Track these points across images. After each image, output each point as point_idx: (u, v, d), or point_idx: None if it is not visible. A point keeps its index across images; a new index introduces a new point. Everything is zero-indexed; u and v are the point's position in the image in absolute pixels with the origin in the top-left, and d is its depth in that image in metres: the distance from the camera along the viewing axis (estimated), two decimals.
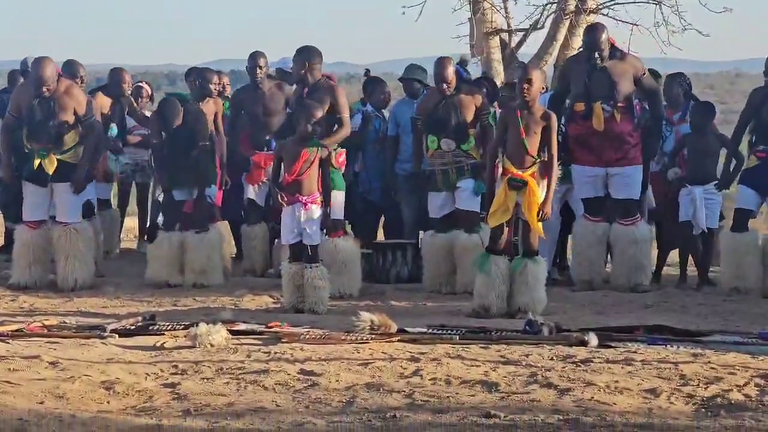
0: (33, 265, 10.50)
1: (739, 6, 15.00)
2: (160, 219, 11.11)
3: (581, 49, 10.65)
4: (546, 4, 15.04)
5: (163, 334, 7.93)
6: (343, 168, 10.54)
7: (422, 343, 7.65)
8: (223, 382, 6.60)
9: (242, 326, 8.15)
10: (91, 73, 12.08)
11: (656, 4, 14.93)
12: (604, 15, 15.17)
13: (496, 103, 11.17)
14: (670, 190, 10.78)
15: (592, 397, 6.23)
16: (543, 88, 9.29)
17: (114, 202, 12.98)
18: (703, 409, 6.08)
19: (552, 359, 7.16)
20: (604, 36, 10.40)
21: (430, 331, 8.02)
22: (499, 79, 14.06)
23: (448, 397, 6.26)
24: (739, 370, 6.82)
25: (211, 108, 11.18)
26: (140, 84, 13.41)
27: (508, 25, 15.41)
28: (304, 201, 9.33)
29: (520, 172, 9.00)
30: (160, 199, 11.07)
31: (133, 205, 13.65)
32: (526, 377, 6.67)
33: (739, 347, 7.56)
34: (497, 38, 15.13)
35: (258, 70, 11.13)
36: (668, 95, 11.03)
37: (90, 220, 11.13)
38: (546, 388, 6.45)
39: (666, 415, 5.96)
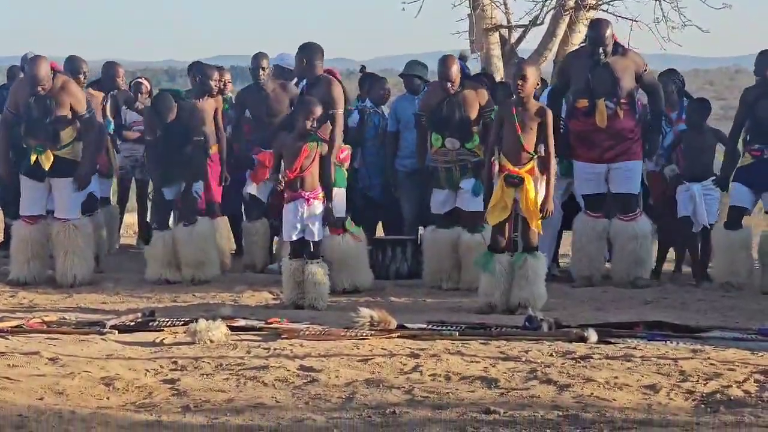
0: (31, 261, 10.50)
1: (739, 2, 14.98)
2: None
3: (583, 45, 10.62)
4: (546, 0, 15.03)
5: (163, 330, 7.92)
6: (347, 164, 10.53)
7: (422, 339, 7.65)
8: (222, 378, 6.60)
9: (242, 322, 8.15)
10: (90, 69, 12.04)
11: (656, 0, 14.93)
12: (603, 11, 15.15)
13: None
14: (668, 187, 10.78)
15: (592, 393, 6.23)
16: (538, 83, 9.26)
17: (113, 198, 12.98)
18: (703, 405, 6.08)
19: (551, 355, 7.16)
20: (608, 32, 10.38)
21: (430, 327, 8.02)
22: (499, 75, 14.06)
23: (447, 393, 6.27)
24: (738, 366, 6.82)
25: (211, 105, 11.17)
26: (139, 80, 13.40)
27: (508, 21, 15.40)
28: (306, 197, 9.33)
29: (516, 169, 9.00)
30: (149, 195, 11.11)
31: (132, 201, 13.65)
32: (526, 373, 6.68)
33: (738, 343, 7.56)
34: (497, 34, 15.12)
35: (261, 71, 11.09)
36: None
37: (92, 215, 11.15)
38: (545, 384, 6.45)
39: (665, 411, 5.96)
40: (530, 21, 15.24)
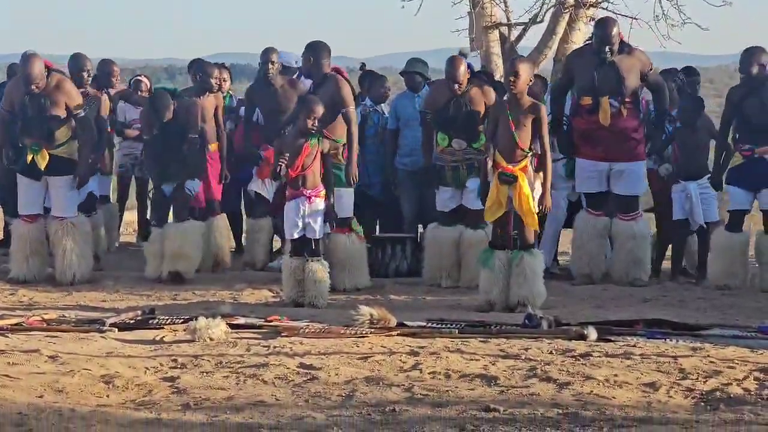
0: (30, 259, 10.50)
1: (739, 0, 14.99)
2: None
3: (589, 42, 10.60)
4: None
5: (163, 327, 7.93)
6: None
7: (421, 336, 7.65)
8: (222, 375, 6.60)
9: (241, 320, 8.15)
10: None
11: None
12: (603, 9, 15.16)
13: None
14: (665, 185, 10.78)
15: (592, 391, 6.23)
16: (531, 80, 9.22)
17: (113, 196, 12.98)
18: (702, 403, 6.08)
19: (551, 353, 7.16)
20: (615, 30, 10.36)
21: (430, 325, 8.02)
22: (499, 73, 14.06)
23: (447, 390, 6.26)
24: (738, 363, 6.82)
25: (211, 102, 11.17)
26: (139, 78, 13.40)
27: (508, 19, 15.40)
28: (308, 195, 9.33)
29: (510, 167, 9.00)
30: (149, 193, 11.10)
31: (132, 199, 13.66)
32: (526, 371, 6.68)
33: (738, 341, 7.56)
34: (497, 32, 15.12)
35: (270, 66, 11.05)
36: None
37: (91, 215, 11.16)
38: (545, 381, 6.45)
39: (665, 408, 5.96)
40: (530, 19, 15.24)
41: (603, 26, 10.44)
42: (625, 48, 10.41)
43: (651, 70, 10.45)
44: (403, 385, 6.38)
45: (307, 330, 7.80)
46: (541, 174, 9.07)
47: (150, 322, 8.14)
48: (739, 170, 10.26)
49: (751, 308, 9.26)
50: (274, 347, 7.31)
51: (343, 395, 6.18)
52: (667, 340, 7.59)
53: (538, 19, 15.17)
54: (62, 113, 10.37)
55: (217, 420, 5.70)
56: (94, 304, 9.36)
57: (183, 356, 7.05)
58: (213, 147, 11.17)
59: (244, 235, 12.43)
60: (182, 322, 7.94)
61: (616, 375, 6.54)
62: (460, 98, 10.16)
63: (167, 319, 8.15)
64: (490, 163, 9.11)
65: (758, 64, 10.20)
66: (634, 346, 7.37)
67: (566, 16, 14.94)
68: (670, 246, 11.18)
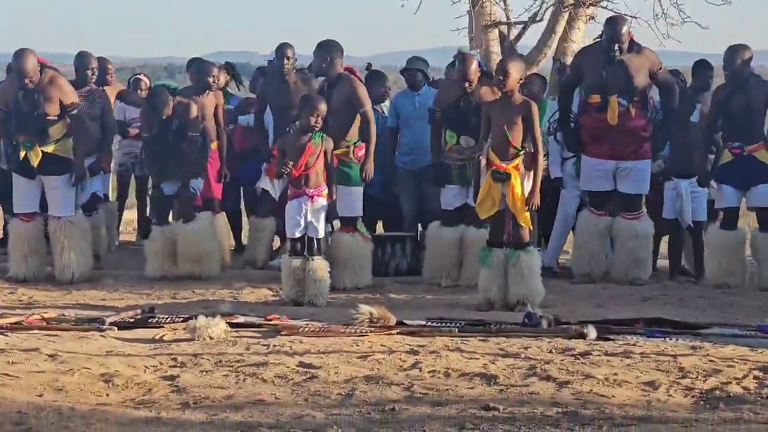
0: (29, 258, 10.48)
1: None
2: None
3: (599, 40, 10.58)
4: None
5: (162, 326, 7.93)
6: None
7: (421, 335, 7.65)
8: (222, 374, 6.60)
9: (241, 319, 8.15)
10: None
11: None
12: (603, 7, 15.16)
13: None
14: (657, 183, 10.77)
15: (591, 390, 6.23)
16: (521, 78, 9.19)
17: (113, 195, 12.97)
18: (702, 402, 6.08)
19: (551, 352, 7.16)
20: (625, 28, 10.35)
21: (429, 323, 8.02)
22: None
23: (447, 389, 6.26)
24: (737, 362, 6.82)
25: (211, 101, 11.14)
26: (138, 76, 13.39)
27: (507, 18, 15.40)
28: (310, 194, 9.32)
29: (504, 165, 9.01)
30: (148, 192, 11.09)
31: (132, 198, 13.65)
32: (525, 370, 6.68)
33: (737, 340, 7.56)
34: (496, 31, 15.12)
35: (285, 61, 10.97)
36: None
37: (92, 214, 11.17)
38: (545, 380, 6.45)
39: (665, 407, 5.96)
40: (529, 18, 15.24)
41: (613, 24, 10.41)
42: (634, 47, 10.38)
43: (660, 69, 10.44)
44: (403, 383, 6.38)
45: (306, 329, 7.80)
46: (530, 172, 9.07)
47: (150, 320, 8.13)
48: (729, 168, 10.25)
49: (751, 307, 9.26)
50: (274, 346, 7.31)
51: (343, 394, 6.18)
52: (667, 338, 7.59)
53: (538, 18, 15.17)
54: (56, 110, 10.33)
55: (216, 419, 5.70)
56: (93, 302, 9.35)
57: (183, 355, 7.05)
58: (213, 146, 11.16)
59: (245, 233, 12.44)
60: (182, 321, 7.94)
61: (615, 374, 6.55)
62: (470, 96, 10.14)
63: (167, 318, 8.14)
64: (483, 161, 9.12)
65: (743, 61, 10.21)
66: (634, 344, 7.37)
67: (566, 15, 14.94)
68: (666, 244, 11.19)
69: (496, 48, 14.87)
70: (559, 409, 5.86)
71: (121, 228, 13.38)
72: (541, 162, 9.15)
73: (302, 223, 9.33)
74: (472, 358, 6.95)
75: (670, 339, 7.58)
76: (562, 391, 6.24)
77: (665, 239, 11.16)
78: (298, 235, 9.36)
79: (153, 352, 7.19)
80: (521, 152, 9.03)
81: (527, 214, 9.03)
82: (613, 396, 6.14)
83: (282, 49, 10.98)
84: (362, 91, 10.15)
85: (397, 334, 7.70)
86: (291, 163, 9.26)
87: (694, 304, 9.47)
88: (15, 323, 7.98)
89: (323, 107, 9.37)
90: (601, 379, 6.44)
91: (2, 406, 5.77)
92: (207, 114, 11.04)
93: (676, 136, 10.52)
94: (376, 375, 6.57)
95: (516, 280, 9.02)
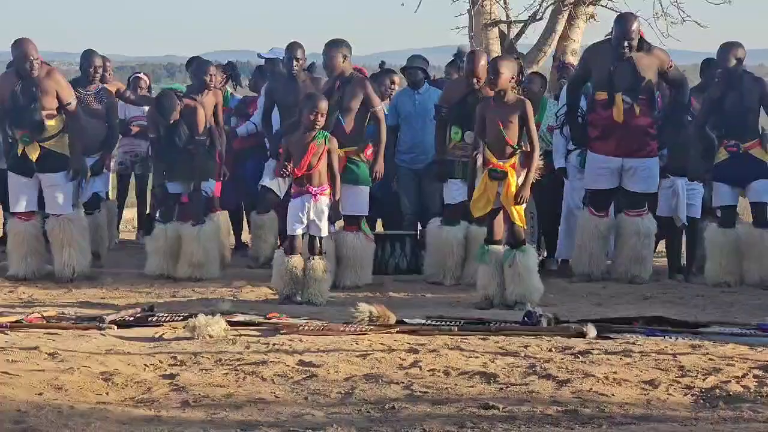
0: (29, 257, 10.47)
1: None
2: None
3: (609, 37, 10.57)
4: None
5: (162, 325, 7.93)
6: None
7: (421, 334, 7.65)
8: (221, 373, 6.60)
9: (241, 317, 8.14)
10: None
11: None
12: (603, 6, 15.16)
13: None
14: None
15: (591, 389, 6.23)
16: (513, 77, 9.17)
17: (112, 193, 12.98)
18: (702, 401, 6.08)
19: (551, 350, 7.16)
20: (635, 26, 10.33)
21: (429, 322, 8.02)
22: None
23: (446, 388, 6.26)
24: (737, 361, 6.82)
25: (210, 100, 11.14)
26: (138, 75, 13.40)
27: (507, 17, 15.40)
28: (314, 192, 9.31)
29: (500, 163, 9.02)
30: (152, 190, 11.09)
31: (131, 196, 13.65)
32: (525, 368, 6.68)
33: (737, 339, 7.55)
34: (496, 29, 15.12)
35: (295, 62, 10.88)
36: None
37: (94, 213, 11.18)
38: (544, 379, 6.45)
39: (664, 406, 5.96)
40: (529, 16, 15.25)
41: (623, 21, 10.39)
42: (644, 45, 10.37)
43: (671, 67, 10.43)
44: (403, 382, 6.38)
45: (306, 327, 7.80)
46: (524, 170, 9.07)
47: (149, 319, 8.13)
48: (725, 166, 10.24)
49: (751, 305, 9.26)
50: (274, 344, 7.31)
51: (343, 392, 6.18)
52: (667, 337, 7.59)
53: (538, 17, 15.18)
54: (53, 103, 10.29)
55: (216, 417, 5.70)
56: (93, 301, 9.36)
57: (182, 353, 7.05)
58: None
59: (244, 232, 12.45)
60: (182, 320, 7.93)
61: (615, 372, 6.55)
62: (477, 92, 10.13)
63: (167, 317, 8.14)
64: (480, 160, 9.12)
65: (735, 58, 10.21)
66: (634, 343, 7.37)
67: (566, 14, 14.95)
68: (662, 243, 11.20)
69: (496, 47, 14.87)
70: (559, 408, 5.86)
71: (120, 226, 13.39)
72: (537, 159, 9.15)
73: (304, 221, 9.32)
74: (471, 357, 6.95)
75: (670, 338, 7.58)
76: (562, 389, 6.24)
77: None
78: (299, 232, 9.35)
79: (153, 350, 7.19)
80: (518, 151, 9.03)
81: (521, 210, 9.03)
82: (613, 395, 6.14)
83: (291, 50, 10.92)
84: (373, 91, 10.22)
85: (397, 332, 7.70)
86: (290, 165, 9.26)
87: (694, 302, 9.47)
88: (15, 322, 7.98)
89: (324, 105, 9.35)
90: (601, 377, 6.44)
91: (2, 405, 5.77)
92: (207, 113, 11.03)
93: (673, 134, 10.53)
94: (375, 373, 6.57)
95: (514, 280, 9.01)
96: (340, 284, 9.93)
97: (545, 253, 11.56)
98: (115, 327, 7.86)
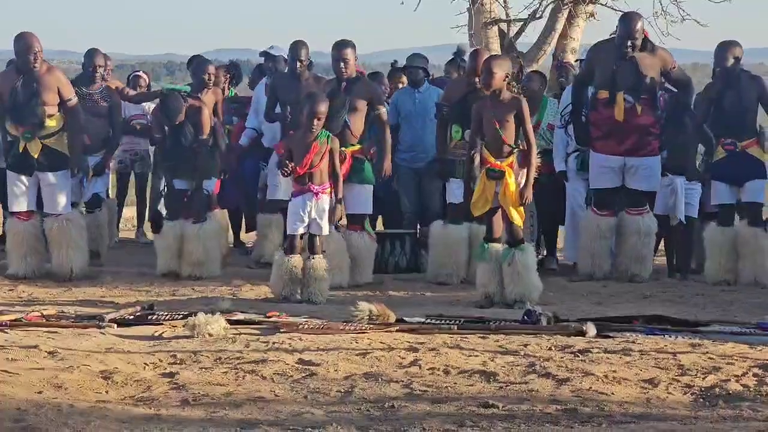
0: (28, 256, 10.47)
1: None
2: (161, 208, 11.10)
3: (613, 36, 10.57)
4: None
5: (162, 323, 7.93)
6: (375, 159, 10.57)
7: (421, 332, 7.65)
8: (221, 371, 6.60)
9: (241, 316, 8.14)
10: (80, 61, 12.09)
11: None
12: (602, 5, 15.17)
13: None
14: None
15: (591, 387, 6.23)
16: (508, 75, 9.16)
17: (112, 191, 12.98)
18: (701, 399, 6.08)
19: (550, 349, 7.16)
20: (639, 25, 10.33)
21: (429, 320, 8.02)
22: None
23: (446, 386, 6.26)
24: (737, 360, 6.82)
25: (210, 99, 11.14)
26: (138, 73, 13.40)
27: (507, 15, 15.42)
28: (315, 191, 9.31)
29: (498, 163, 9.02)
30: (162, 189, 11.08)
31: (131, 195, 13.66)
32: (525, 367, 6.67)
33: (737, 337, 7.55)
34: (496, 28, 15.14)
35: (298, 63, 10.81)
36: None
37: (95, 212, 11.18)
38: (544, 378, 6.45)
39: (664, 405, 5.96)
40: (529, 15, 15.26)
41: (627, 21, 10.38)
42: (648, 45, 10.37)
43: (674, 68, 10.43)
44: (402, 381, 6.38)
45: (306, 326, 7.80)
46: (524, 170, 9.07)
47: (149, 317, 8.13)
48: (723, 165, 10.25)
49: (751, 304, 9.26)
50: (273, 343, 7.31)
51: (342, 391, 6.18)
52: (666, 336, 7.59)
53: (538, 15, 15.19)
54: (54, 99, 10.27)
55: (216, 416, 5.70)
56: (93, 299, 9.36)
57: (182, 352, 7.05)
58: None
59: (243, 231, 12.46)
60: (181, 318, 7.93)
61: (614, 371, 6.54)
62: (479, 91, 10.13)
63: (166, 315, 8.15)
64: (477, 160, 9.13)
65: (734, 57, 10.22)
66: (633, 342, 7.37)
67: (565, 13, 14.96)
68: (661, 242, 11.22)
69: (495, 45, 14.89)
70: (559, 407, 5.85)
71: (120, 225, 13.39)
72: (535, 157, 9.15)
73: (305, 219, 9.32)
74: (471, 356, 6.95)
75: (670, 336, 7.57)
76: (562, 388, 6.24)
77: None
78: (301, 231, 9.35)
79: (152, 349, 7.19)
80: (515, 149, 9.03)
81: (521, 209, 9.03)
82: (613, 393, 6.14)
83: (295, 51, 10.89)
84: (379, 91, 10.30)
85: (397, 331, 7.70)
86: (291, 164, 9.25)
87: (694, 301, 9.48)
88: (15, 320, 7.98)
89: (323, 108, 9.29)
90: (601, 376, 6.44)
91: (2, 403, 5.76)
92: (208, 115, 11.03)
93: (675, 135, 10.53)
94: (375, 372, 6.57)
95: (513, 279, 9.01)
96: (339, 283, 9.90)
97: (545, 252, 11.57)
98: (115, 325, 7.86)
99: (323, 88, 10.22)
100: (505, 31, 15.22)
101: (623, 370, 6.59)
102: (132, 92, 12.38)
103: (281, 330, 7.72)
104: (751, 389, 6.23)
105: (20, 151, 10.30)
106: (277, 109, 10.95)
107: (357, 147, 10.09)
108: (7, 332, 7.61)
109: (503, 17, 15.36)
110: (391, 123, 11.35)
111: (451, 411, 5.79)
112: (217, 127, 10.89)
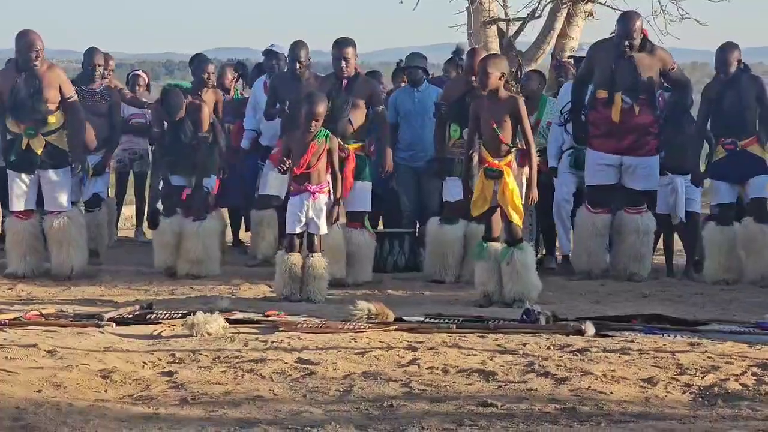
0: (28, 255, 10.46)
1: None
2: (160, 205, 11.11)
3: (612, 35, 10.56)
4: None
5: (161, 322, 7.92)
6: (374, 156, 10.56)
7: (419, 331, 7.65)
8: (220, 370, 6.60)
9: (239, 315, 8.14)
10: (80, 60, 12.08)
11: None
12: (601, 4, 15.18)
13: None
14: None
15: (589, 386, 6.23)
16: (503, 74, 9.15)
17: (111, 190, 12.98)
18: (700, 399, 6.07)
19: (549, 348, 7.16)
20: (637, 24, 10.32)
21: (428, 320, 8.01)
22: None
23: (445, 386, 6.26)
24: (736, 359, 6.82)
25: (210, 98, 11.14)
26: (137, 72, 13.40)
27: (506, 14, 15.42)
28: (312, 190, 9.31)
29: (496, 162, 9.02)
30: (160, 186, 11.08)
31: (130, 194, 13.66)
32: (523, 366, 6.67)
33: (736, 336, 7.55)
34: (495, 27, 15.14)
35: (299, 65, 10.81)
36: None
37: (95, 211, 11.18)
38: (543, 377, 6.44)
39: (663, 404, 5.96)
40: (528, 14, 15.26)
41: (626, 20, 10.38)
42: (647, 45, 10.36)
43: (673, 69, 10.43)
44: (401, 380, 6.38)
45: (304, 325, 7.80)
46: (524, 169, 9.07)
47: (148, 316, 8.13)
48: (723, 165, 10.25)
49: (750, 303, 9.26)
50: (272, 342, 7.30)
51: (341, 390, 6.18)
52: (665, 335, 7.59)
53: (537, 15, 15.19)
54: (55, 96, 10.26)
55: (214, 414, 5.70)
56: (92, 298, 9.36)
57: (181, 351, 7.05)
58: None
59: (243, 229, 12.45)
60: (180, 317, 7.93)
61: (613, 370, 6.54)
62: (477, 90, 10.13)
63: (165, 314, 8.14)
64: (475, 159, 9.13)
65: (736, 60, 10.23)
66: (632, 341, 7.37)
67: (564, 12, 14.96)
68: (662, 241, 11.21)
69: (494, 44, 14.89)
70: (557, 406, 5.85)
71: (119, 224, 13.39)
72: (535, 156, 9.16)
73: (303, 219, 9.32)
74: (470, 355, 6.95)
75: (669, 335, 7.57)
76: (560, 387, 6.24)
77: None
78: (298, 231, 9.35)
79: (151, 348, 7.19)
80: (513, 149, 9.03)
81: (520, 208, 9.03)
82: (611, 392, 6.14)
83: (294, 51, 10.87)
84: (378, 90, 10.32)
85: (396, 330, 7.70)
86: (288, 162, 9.25)
87: (693, 300, 9.48)
88: (13, 319, 7.97)
89: (322, 110, 9.28)
90: (599, 375, 6.44)
91: (1, 402, 5.77)
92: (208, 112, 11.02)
93: (670, 132, 10.53)
94: (374, 371, 6.57)
95: (512, 278, 9.01)
96: (340, 282, 9.90)
97: (544, 251, 11.58)
98: (114, 324, 7.86)
99: (322, 86, 10.22)
100: (504, 31, 15.23)
101: (622, 369, 6.59)
102: (130, 93, 12.39)
103: (280, 329, 7.72)
104: (750, 388, 6.23)
105: (23, 148, 10.29)
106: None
107: (358, 145, 10.10)
108: (6, 331, 7.61)
109: (502, 16, 15.36)
110: (391, 122, 11.37)
111: (450, 410, 5.79)
112: (216, 125, 10.89)
